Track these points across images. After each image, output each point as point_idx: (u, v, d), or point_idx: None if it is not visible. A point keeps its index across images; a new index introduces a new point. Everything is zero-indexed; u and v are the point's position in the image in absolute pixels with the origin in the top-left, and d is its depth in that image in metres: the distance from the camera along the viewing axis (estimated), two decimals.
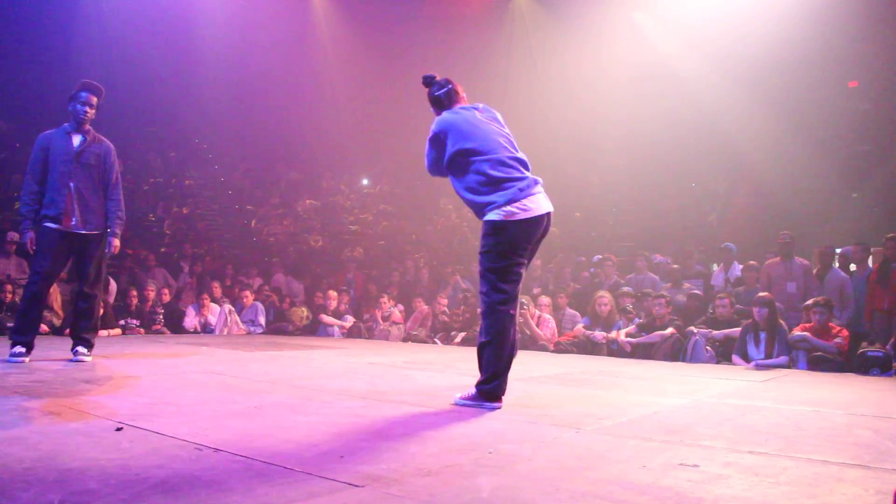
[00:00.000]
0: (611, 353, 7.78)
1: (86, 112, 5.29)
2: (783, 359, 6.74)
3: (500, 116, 3.79)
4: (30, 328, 5.12)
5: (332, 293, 10.54)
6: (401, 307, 10.43)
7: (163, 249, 11.46)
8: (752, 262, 8.61)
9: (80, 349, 5.34)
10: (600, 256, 10.15)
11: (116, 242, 5.34)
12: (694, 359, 7.21)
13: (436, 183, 15.88)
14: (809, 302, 7.15)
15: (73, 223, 5.18)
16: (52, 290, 8.57)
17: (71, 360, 5.23)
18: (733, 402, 4.09)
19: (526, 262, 3.56)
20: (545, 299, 8.83)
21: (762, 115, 11.71)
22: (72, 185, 5.17)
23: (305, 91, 16.82)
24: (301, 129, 17.19)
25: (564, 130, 13.98)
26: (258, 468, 2.10)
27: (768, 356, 6.78)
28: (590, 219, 12.75)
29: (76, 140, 5.28)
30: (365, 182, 18.08)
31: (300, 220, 14.67)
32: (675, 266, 9.35)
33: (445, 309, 9.80)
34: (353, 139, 16.77)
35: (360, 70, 16.06)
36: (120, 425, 2.65)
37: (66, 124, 5.34)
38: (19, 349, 5.03)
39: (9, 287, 8.45)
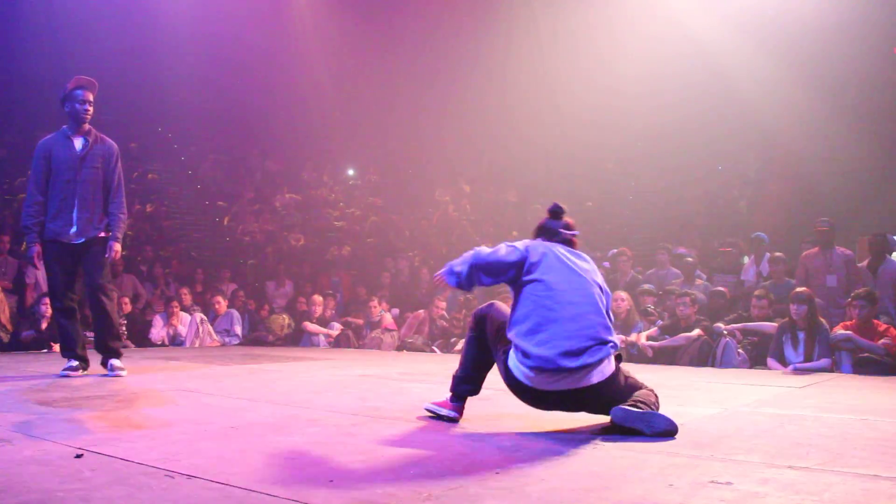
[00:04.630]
0: (630, 359, 7.78)
1: (86, 111, 5.54)
2: (825, 361, 6.74)
3: None
4: (74, 342, 5.57)
5: (317, 298, 10.53)
6: (394, 312, 10.42)
7: (124, 252, 11.44)
8: (777, 254, 8.54)
9: (114, 362, 5.60)
10: (615, 250, 10.13)
11: (117, 247, 5.66)
12: (724, 363, 7.21)
13: (430, 172, 15.86)
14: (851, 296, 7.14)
15: (73, 233, 5.50)
16: None
17: (107, 375, 5.52)
18: (770, 410, 4.10)
19: None
20: None
21: (797, 88, 11.65)
22: (76, 194, 5.49)
23: (283, 71, 16.59)
24: (279, 113, 17.02)
25: (573, 110, 13.92)
26: (238, 496, 2.09)
27: (808, 359, 6.78)
28: (603, 208, 12.72)
29: (78, 144, 5.57)
30: (351, 172, 18.03)
31: (279, 216, 14.65)
32: (690, 259, 9.34)
33: (444, 313, 9.79)
34: (338, 124, 16.67)
35: (345, 47, 15.87)
36: (80, 451, 2.64)
37: (64, 127, 5.61)
38: (71, 363, 5.54)
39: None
